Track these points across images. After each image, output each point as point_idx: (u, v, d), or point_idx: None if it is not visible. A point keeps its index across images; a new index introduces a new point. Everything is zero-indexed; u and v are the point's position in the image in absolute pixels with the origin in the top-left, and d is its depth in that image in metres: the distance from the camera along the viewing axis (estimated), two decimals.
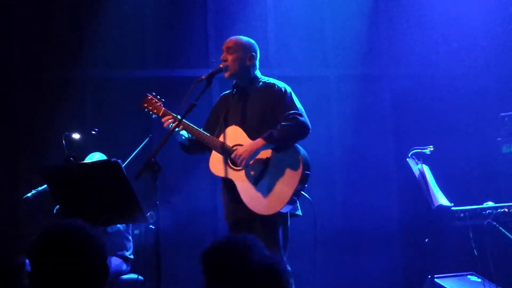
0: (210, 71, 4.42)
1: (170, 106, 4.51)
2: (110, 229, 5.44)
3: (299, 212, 4.44)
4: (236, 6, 6.89)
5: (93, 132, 5.55)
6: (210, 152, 4.47)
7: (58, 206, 5.52)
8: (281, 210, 4.26)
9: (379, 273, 6.79)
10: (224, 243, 2.08)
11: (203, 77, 4.33)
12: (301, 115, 4.34)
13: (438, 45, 7.04)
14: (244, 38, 4.56)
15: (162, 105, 4.51)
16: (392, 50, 7.13)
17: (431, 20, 7.02)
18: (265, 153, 4.33)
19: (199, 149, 4.52)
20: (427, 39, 7.04)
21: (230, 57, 4.45)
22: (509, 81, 6.69)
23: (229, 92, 4.61)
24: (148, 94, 4.58)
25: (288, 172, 4.28)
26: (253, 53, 4.50)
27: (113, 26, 6.58)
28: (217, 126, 4.49)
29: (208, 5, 6.84)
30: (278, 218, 4.30)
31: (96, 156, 5.62)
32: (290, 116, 4.32)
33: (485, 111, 6.88)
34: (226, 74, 4.46)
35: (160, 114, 4.47)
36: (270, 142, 4.28)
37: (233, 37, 4.57)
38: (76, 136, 5.45)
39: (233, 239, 2.09)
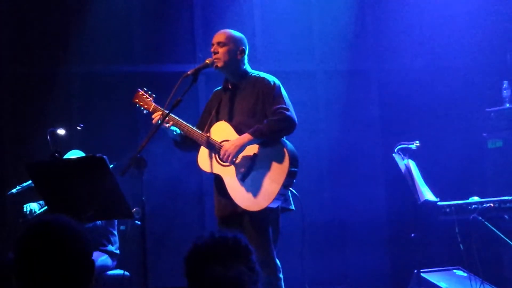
0: (196, 66, 4.41)
1: (157, 101, 4.50)
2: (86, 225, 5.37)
3: (292, 207, 4.43)
4: (223, 1, 6.87)
5: (78, 128, 5.52)
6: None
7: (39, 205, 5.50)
8: (269, 206, 4.26)
9: (366, 268, 6.81)
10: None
11: (189, 72, 4.32)
12: (287, 109, 4.32)
13: (424, 40, 7.06)
14: (234, 32, 4.54)
15: (152, 100, 4.50)
16: (379, 45, 7.14)
17: (418, 15, 7.03)
18: (252, 149, 4.33)
19: (192, 145, 4.48)
20: (414, 35, 7.05)
21: (221, 50, 4.42)
22: (495, 76, 6.71)
23: (221, 88, 4.59)
24: (139, 90, 4.56)
25: (275, 167, 4.27)
26: (243, 47, 4.48)
27: (100, 21, 6.54)
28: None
29: (195, 0, 6.82)
30: (267, 213, 4.30)
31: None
32: (277, 111, 4.31)
33: (471, 106, 6.90)
34: (216, 66, 4.42)
35: (150, 110, 4.47)
36: (256, 137, 4.28)
37: (224, 30, 4.54)
38: (61, 132, 5.41)
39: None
